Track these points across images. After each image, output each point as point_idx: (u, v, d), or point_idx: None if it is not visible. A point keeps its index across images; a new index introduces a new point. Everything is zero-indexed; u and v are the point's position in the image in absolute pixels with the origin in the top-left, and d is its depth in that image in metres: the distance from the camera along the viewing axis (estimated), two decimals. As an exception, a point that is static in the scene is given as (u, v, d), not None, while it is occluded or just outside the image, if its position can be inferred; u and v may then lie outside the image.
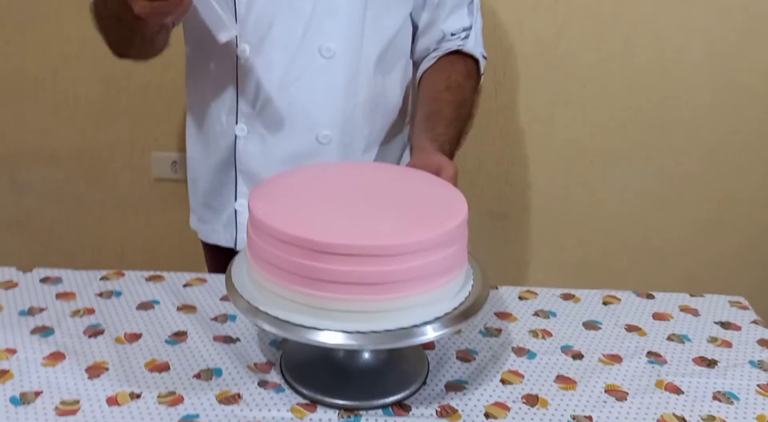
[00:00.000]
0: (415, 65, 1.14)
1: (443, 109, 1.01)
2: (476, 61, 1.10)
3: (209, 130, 1.11)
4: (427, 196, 0.81)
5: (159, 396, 0.79)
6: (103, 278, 1.04)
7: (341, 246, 0.69)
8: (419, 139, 0.98)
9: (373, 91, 1.06)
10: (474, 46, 1.09)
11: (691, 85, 1.65)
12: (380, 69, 1.06)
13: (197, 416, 0.77)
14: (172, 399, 0.79)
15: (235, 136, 1.06)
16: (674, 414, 0.81)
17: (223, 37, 0.89)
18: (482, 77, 1.12)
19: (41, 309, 0.95)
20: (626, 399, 0.83)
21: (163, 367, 0.85)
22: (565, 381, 0.86)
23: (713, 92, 1.66)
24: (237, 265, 0.83)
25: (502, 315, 1.00)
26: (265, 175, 1.04)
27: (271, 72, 1.01)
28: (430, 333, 0.73)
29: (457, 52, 1.09)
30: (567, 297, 1.06)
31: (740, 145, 1.71)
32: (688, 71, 1.64)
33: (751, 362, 0.91)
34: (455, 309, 0.75)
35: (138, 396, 0.79)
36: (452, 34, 1.08)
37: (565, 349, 0.92)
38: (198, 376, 0.83)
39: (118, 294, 1.00)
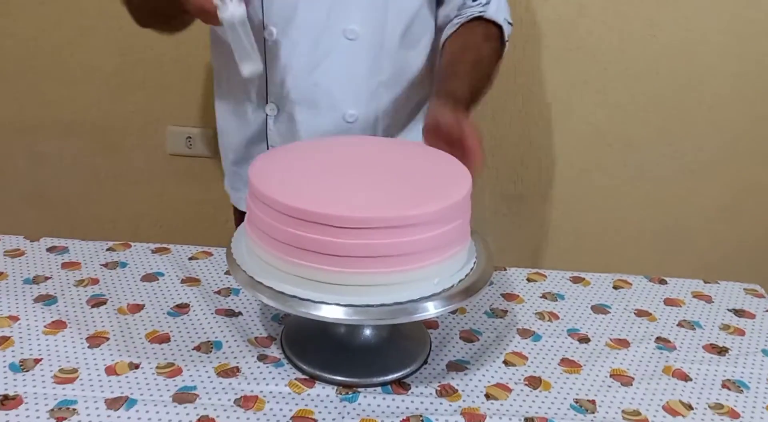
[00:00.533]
0: (439, 33, 1.12)
1: (459, 67, 0.99)
2: (499, 27, 1.07)
3: (239, 107, 1.11)
4: (430, 170, 0.80)
5: (158, 367, 0.79)
6: (109, 249, 1.04)
7: (341, 218, 0.68)
8: (439, 95, 0.95)
9: (398, 68, 1.05)
10: (496, 11, 1.06)
11: (715, 69, 1.61)
12: (405, 45, 1.05)
13: (195, 388, 0.76)
14: (171, 370, 0.79)
15: (266, 115, 1.07)
16: (680, 401, 0.79)
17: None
18: (507, 44, 1.08)
19: (46, 278, 0.95)
20: (631, 385, 0.81)
21: (164, 339, 0.84)
22: (569, 365, 0.84)
23: (737, 76, 1.61)
24: (238, 239, 0.82)
25: (509, 297, 0.98)
26: None
27: (297, 54, 1.02)
28: (431, 310, 0.72)
29: (479, 19, 1.06)
30: (576, 280, 1.04)
31: (764, 132, 1.66)
32: (712, 55, 1.59)
33: (764, 351, 0.89)
34: (455, 285, 0.74)
35: (137, 366, 0.79)
36: (473, 0, 1.06)
37: (572, 332, 0.91)
38: (198, 348, 0.83)
39: (124, 265, 1.00)
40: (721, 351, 0.89)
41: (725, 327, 0.94)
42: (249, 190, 0.77)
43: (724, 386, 0.82)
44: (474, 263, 0.78)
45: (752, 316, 0.97)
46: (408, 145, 0.90)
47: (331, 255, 0.69)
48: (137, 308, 0.90)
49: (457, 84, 0.96)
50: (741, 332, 0.93)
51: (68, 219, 1.89)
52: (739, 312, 0.98)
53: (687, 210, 1.75)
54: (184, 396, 0.75)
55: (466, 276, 0.76)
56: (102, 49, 1.70)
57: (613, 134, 1.69)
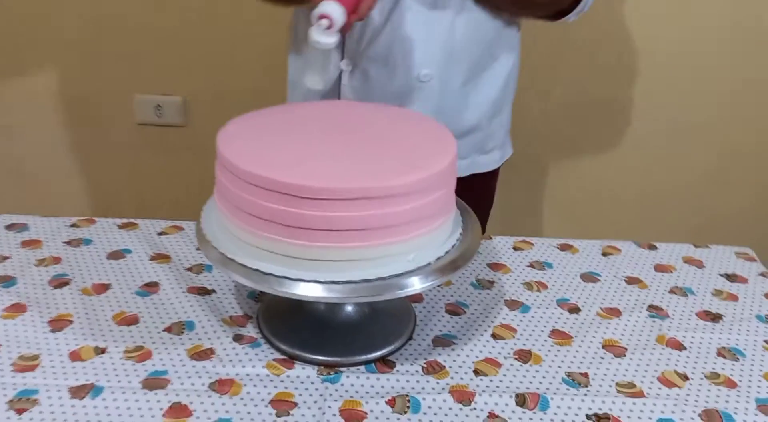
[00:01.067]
0: None
1: None
2: None
3: (308, 58, 1.06)
4: (413, 137, 0.75)
5: (126, 351, 0.74)
6: (72, 225, 0.98)
7: (316, 189, 0.63)
8: None
9: (475, 25, 1.01)
10: None
11: (703, 31, 1.56)
12: (482, 2, 1.00)
13: (166, 372, 0.72)
14: (140, 354, 0.74)
15: (341, 70, 1.05)
16: (675, 371, 0.76)
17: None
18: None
19: (4, 258, 0.89)
20: (625, 356, 0.78)
21: (132, 320, 0.79)
22: (560, 336, 0.81)
23: (725, 40, 1.57)
24: (208, 213, 0.77)
25: (495, 266, 0.94)
26: None
27: (376, 13, 0.98)
28: (416, 285, 0.67)
29: None
30: (564, 247, 1.00)
31: (751, 95, 1.62)
32: (700, 17, 1.55)
33: (758, 316, 0.86)
34: (441, 258, 0.69)
35: (103, 351, 0.74)
36: None
37: (561, 302, 0.87)
38: (169, 330, 0.78)
39: (88, 242, 0.94)
40: (715, 317, 0.86)
41: (718, 293, 0.91)
42: (217, 159, 0.71)
43: (719, 354, 0.79)
44: (460, 234, 0.74)
45: (745, 281, 0.94)
46: (391, 111, 0.85)
47: (307, 228, 0.64)
48: (103, 288, 0.85)
49: None
50: (734, 297, 0.90)
51: (40, 194, 1.82)
52: (731, 277, 0.95)
53: (673, 173, 1.72)
54: (155, 382, 0.70)
55: (452, 247, 0.71)
56: (68, 16, 1.61)
57: (600, 97, 1.64)
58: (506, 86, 1.10)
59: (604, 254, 0.98)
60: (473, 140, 1.10)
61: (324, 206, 0.63)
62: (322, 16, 0.78)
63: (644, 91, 1.63)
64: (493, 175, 1.19)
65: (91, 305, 0.81)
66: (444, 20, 0.99)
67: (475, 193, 1.16)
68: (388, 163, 0.68)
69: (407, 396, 0.70)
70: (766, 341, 0.82)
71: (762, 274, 0.96)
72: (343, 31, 0.81)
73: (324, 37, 0.78)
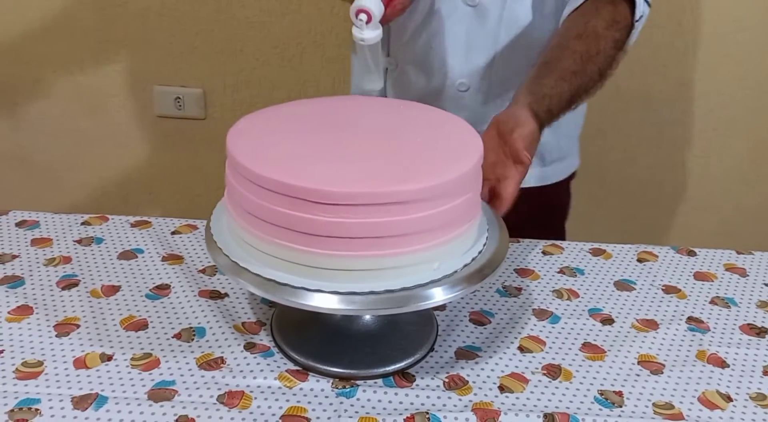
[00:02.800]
0: None
1: (564, 59, 0.84)
2: (632, 4, 0.87)
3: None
4: (437, 138, 0.70)
5: (132, 359, 0.71)
6: (84, 223, 0.95)
7: (333, 194, 0.59)
8: (520, 89, 0.84)
9: (519, 38, 0.96)
10: None
11: (741, 21, 1.49)
12: (528, 13, 0.95)
13: (173, 383, 0.68)
14: (147, 362, 0.70)
15: (386, 67, 1.05)
16: (718, 392, 0.70)
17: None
18: (637, 29, 0.88)
19: (13, 257, 0.87)
20: (662, 373, 0.72)
21: (140, 325, 0.76)
22: (592, 350, 0.76)
23: (765, 28, 1.49)
24: (218, 215, 0.73)
25: (523, 272, 0.89)
26: None
27: (416, 14, 0.96)
28: (439, 296, 0.63)
29: None
30: (597, 252, 0.94)
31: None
32: (737, 7, 1.47)
33: (807, 331, 0.80)
34: (466, 266, 0.65)
35: (109, 358, 0.71)
36: None
37: (594, 313, 0.82)
38: (178, 336, 0.75)
39: (99, 241, 0.91)
40: (760, 332, 0.80)
41: (763, 305, 0.85)
42: (228, 162, 0.67)
43: (765, 373, 0.73)
44: (486, 238, 0.69)
45: (791, 291, 0.88)
46: (415, 108, 0.80)
47: (324, 236, 0.60)
48: (112, 290, 0.82)
49: (550, 81, 0.81)
50: (780, 310, 0.84)
51: (55, 187, 1.80)
52: (777, 287, 0.89)
53: (709, 170, 1.65)
54: (161, 393, 0.66)
55: (478, 254, 0.66)
56: (80, 3, 1.58)
57: (631, 92, 1.58)
58: None
59: (640, 260, 0.93)
60: None
61: (339, 212, 0.59)
62: (359, 11, 0.76)
63: (678, 83, 1.56)
64: (561, 185, 1.12)
65: (99, 308, 0.78)
66: (485, 32, 0.94)
67: (545, 204, 1.11)
68: (409, 165, 0.63)
69: (427, 413, 0.66)
70: (816, 359, 0.76)
71: (810, 284, 0.90)
72: (385, 21, 0.79)
73: (365, 33, 0.77)
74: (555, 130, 1.03)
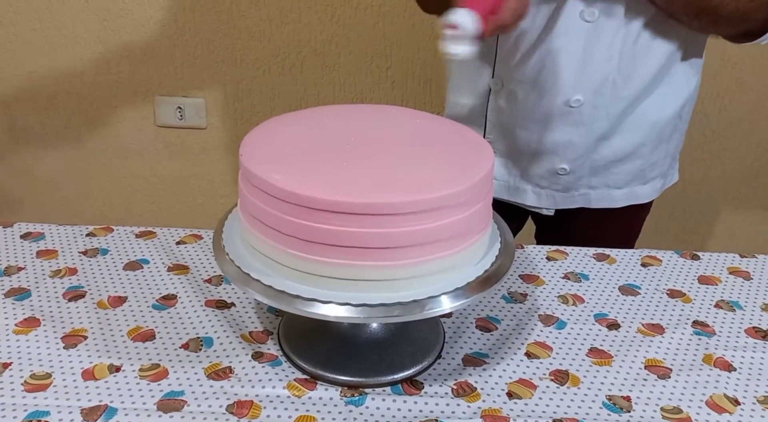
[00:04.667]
0: None
1: None
2: None
3: (468, 71, 1.04)
4: (447, 147, 0.70)
5: (141, 370, 0.71)
6: (89, 234, 0.95)
7: (344, 204, 0.59)
8: None
9: (638, 50, 0.93)
10: None
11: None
12: (650, 29, 0.92)
13: (182, 393, 0.68)
14: (156, 373, 0.71)
15: (489, 88, 1.02)
16: (725, 395, 0.70)
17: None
18: None
19: (19, 269, 0.87)
20: (669, 377, 0.73)
21: (148, 336, 0.76)
22: (599, 355, 0.76)
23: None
24: (229, 225, 0.73)
25: (528, 278, 0.89)
26: (513, 131, 1.02)
27: (530, 32, 0.94)
28: (446, 304, 0.63)
29: None
30: (601, 257, 0.95)
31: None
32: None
33: (812, 334, 0.81)
34: (478, 277, 0.65)
35: (118, 369, 0.71)
36: None
37: (599, 318, 0.82)
38: (186, 346, 0.75)
39: (105, 252, 0.91)
40: (766, 335, 0.80)
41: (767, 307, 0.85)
42: (240, 171, 0.67)
43: (772, 376, 0.73)
44: (499, 249, 0.69)
45: (796, 294, 0.88)
46: (424, 117, 0.80)
47: (335, 245, 0.60)
48: (119, 301, 0.82)
49: None
50: (785, 312, 0.84)
51: (55, 197, 1.80)
52: (781, 290, 0.89)
53: (709, 173, 1.66)
54: (170, 404, 0.67)
55: (491, 265, 0.67)
56: (81, 14, 1.59)
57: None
58: (678, 113, 1.01)
59: (644, 265, 0.93)
60: (630, 168, 1.02)
61: (349, 221, 0.59)
62: (449, 26, 0.71)
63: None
64: (648, 205, 1.10)
65: (106, 319, 0.78)
66: (602, 47, 0.91)
67: (622, 226, 1.09)
68: (420, 174, 0.63)
69: (436, 420, 0.66)
70: (822, 361, 0.76)
71: (814, 287, 0.90)
72: (483, 37, 0.73)
73: (453, 47, 0.71)
74: (659, 147, 1.02)
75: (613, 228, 1.01)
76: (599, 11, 0.89)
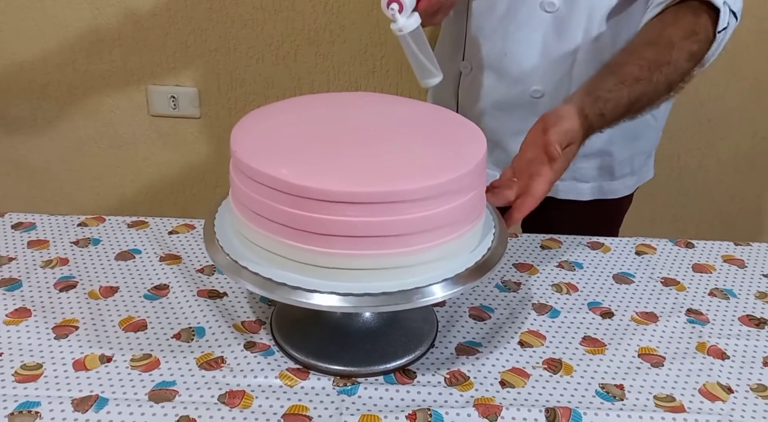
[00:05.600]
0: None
1: (629, 64, 0.78)
2: (716, 11, 0.81)
3: (441, 54, 1.06)
4: (442, 136, 0.70)
5: (132, 360, 0.70)
6: (81, 224, 0.94)
7: (335, 193, 0.59)
8: (578, 87, 0.79)
9: (599, 44, 0.93)
10: None
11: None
12: (609, 19, 0.92)
13: (174, 383, 0.68)
14: (147, 363, 0.70)
15: (460, 72, 1.04)
16: (718, 383, 0.70)
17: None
18: (720, 42, 0.82)
19: (10, 259, 0.86)
20: (663, 365, 0.72)
21: (139, 326, 0.76)
22: (592, 344, 0.76)
23: (760, 23, 1.49)
24: (220, 215, 0.73)
25: (522, 267, 0.89)
26: (479, 115, 1.03)
27: (492, 19, 0.95)
28: (437, 293, 0.63)
29: (698, 1, 0.81)
30: (595, 246, 0.94)
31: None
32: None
33: (806, 322, 0.80)
34: (470, 266, 0.64)
35: (109, 359, 0.70)
36: None
37: (593, 306, 0.82)
38: (177, 336, 0.74)
39: (96, 242, 0.91)
40: (760, 323, 0.80)
41: (762, 295, 0.85)
42: (231, 160, 0.67)
43: (765, 364, 0.73)
44: (493, 239, 0.69)
45: (790, 282, 0.88)
46: (418, 106, 0.79)
47: (326, 234, 0.60)
48: (111, 291, 0.81)
49: (609, 85, 0.76)
50: (779, 300, 0.84)
51: (50, 189, 1.79)
52: (775, 278, 0.89)
53: (704, 161, 1.65)
54: (162, 394, 0.66)
55: (483, 255, 0.66)
56: (72, 3, 1.57)
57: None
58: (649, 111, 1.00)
59: (638, 253, 0.93)
60: (597, 164, 1.02)
61: (339, 210, 0.59)
62: (389, 2, 0.75)
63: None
64: (622, 200, 1.09)
65: (97, 309, 0.78)
66: (562, 40, 0.91)
67: (598, 218, 1.08)
68: (412, 163, 0.63)
69: (429, 410, 0.66)
70: (815, 349, 0.76)
71: (808, 275, 0.90)
72: (422, 8, 0.77)
73: (400, 22, 0.76)
74: (630, 144, 1.02)
75: (587, 219, 1.01)
76: (560, 2, 0.89)
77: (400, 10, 0.75)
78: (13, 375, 0.68)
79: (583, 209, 1.06)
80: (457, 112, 1.04)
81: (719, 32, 0.80)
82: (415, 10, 0.78)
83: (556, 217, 1.05)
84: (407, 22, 0.77)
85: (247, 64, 1.62)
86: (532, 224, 1.00)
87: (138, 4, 1.56)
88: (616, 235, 1.13)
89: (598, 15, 0.91)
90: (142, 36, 1.60)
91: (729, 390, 0.70)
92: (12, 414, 0.63)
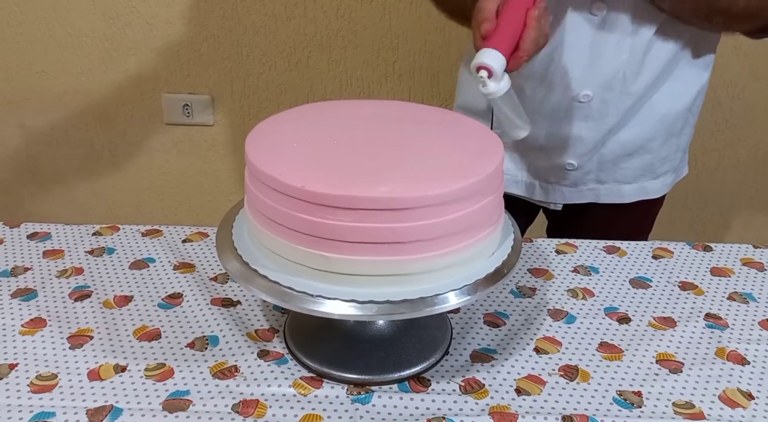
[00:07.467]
0: None
1: None
2: None
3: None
4: (458, 141, 0.69)
5: (146, 370, 0.71)
6: (95, 233, 0.95)
7: (355, 199, 0.58)
8: None
9: (649, 45, 0.91)
10: None
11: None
12: (662, 19, 0.90)
13: (188, 392, 0.68)
14: (161, 372, 0.70)
15: None
16: (739, 389, 0.69)
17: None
18: None
19: (25, 269, 0.87)
20: (681, 371, 0.71)
21: (154, 335, 0.76)
22: (609, 350, 0.75)
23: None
24: (235, 222, 0.73)
25: (537, 272, 0.88)
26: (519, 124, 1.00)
27: None
28: (451, 301, 0.62)
29: None
30: (611, 250, 0.93)
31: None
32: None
33: (828, 326, 0.79)
34: (487, 273, 0.64)
35: (123, 369, 0.71)
36: None
37: (610, 312, 0.81)
38: (191, 345, 0.74)
39: (111, 251, 0.91)
40: (780, 327, 0.79)
41: (782, 299, 0.84)
42: (246, 166, 0.67)
43: (787, 369, 0.72)
44: (512, 244, 0.68)
45: (811, 285, 0.87)
46: (432, 110, 0.78)
47: (341, 240, 0.59)
48: (125, 300, 0.81)
49: None
50: (800, 304, 0.83)
51: (64, 197, 1.81)
52: (796, 281, 0.87)
53: (722, 162, 1.63)
54: (176, 403, 0.66)
55: (503, 261, 0.66)
56: (87, 13, 1.59)
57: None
58: (689, 107, 0.99)
59: (655, 257, 0.92)
60: (639, 163, 1.01)
61: (355, 216, 0.58)
62: (478, 68, 0.73)
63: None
64: (659, 200, 1.08)
65: (112, 319, 0.78)
66: (611, 42, 0.90)
67: (633, 220, 1.07)
68: (429, 169, 0.62)
69: (444, 418, 0.65)
70: (838, 354, 0.74)
71: (830, 277, 0.88)
72: (511, 69, 0.75)
73: (490, 88, 0.74)
74: (669, 141, 1.00)
75: (624, 223, 0.99)
76: (607, 5, 0.88)
77: (490, 76, 0.73)
78: (28, 385, 0.68)
79: (624, 211, 1.03)
80: (491, 121, 1.03)
81: None
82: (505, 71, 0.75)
83: (604, 220, 1.04)
84: (498, 87, 0.74)
85: (260, 70, 1.63)
86: (577, 230, 0.99)
87: (151, 13, 1.57)
88: (647, 236, 1.12)
89: (646, 16, 0.89)
90: (155, 44, 1.61)
91: (749, 397, 0.68)
92: (28, 424, 0.63)
